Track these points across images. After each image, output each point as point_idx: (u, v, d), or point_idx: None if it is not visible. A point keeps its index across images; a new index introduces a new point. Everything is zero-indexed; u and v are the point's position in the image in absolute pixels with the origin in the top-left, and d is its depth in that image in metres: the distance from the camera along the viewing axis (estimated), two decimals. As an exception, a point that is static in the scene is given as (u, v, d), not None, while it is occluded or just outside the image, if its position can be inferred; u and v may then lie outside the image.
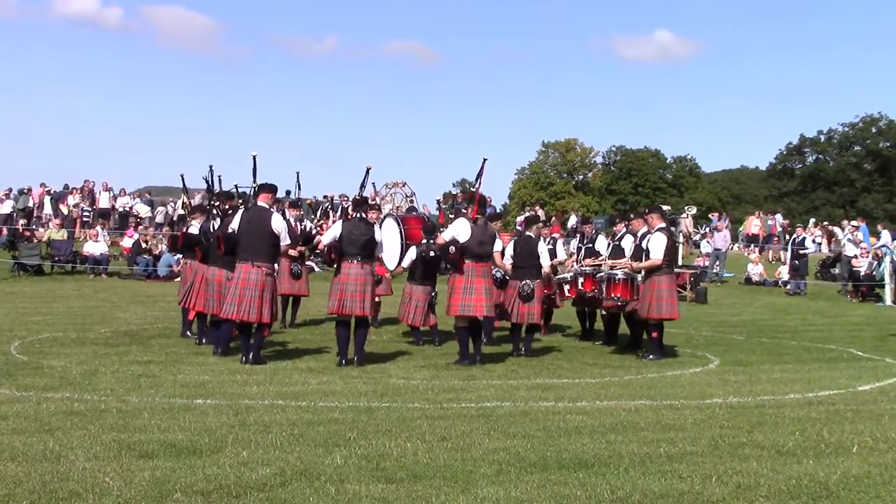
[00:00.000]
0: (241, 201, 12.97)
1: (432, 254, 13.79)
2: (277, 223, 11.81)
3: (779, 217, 41.63)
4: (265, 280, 11.60)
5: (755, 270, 29.91)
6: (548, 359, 13.06)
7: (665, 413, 8.80)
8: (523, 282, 12.85)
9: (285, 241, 12.03)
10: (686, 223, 33.07)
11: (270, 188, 12.10)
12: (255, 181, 12.35)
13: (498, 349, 13.70)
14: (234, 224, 11.98)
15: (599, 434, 7.70)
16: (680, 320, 14.78)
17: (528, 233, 13.67)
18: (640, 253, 13.45)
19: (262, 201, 11.92)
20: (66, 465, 6.23)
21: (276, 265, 12.10)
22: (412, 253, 14.05)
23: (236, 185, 14.10)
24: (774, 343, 15.90)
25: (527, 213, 33.24)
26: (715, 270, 30.24)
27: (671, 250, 13.12)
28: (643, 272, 13.13)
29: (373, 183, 19.01)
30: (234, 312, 11.51)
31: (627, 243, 14.26)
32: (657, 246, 12.93)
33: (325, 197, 35.46)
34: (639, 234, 14.06)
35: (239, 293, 11.50)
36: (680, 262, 28.38)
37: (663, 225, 13.23)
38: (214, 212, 13.39)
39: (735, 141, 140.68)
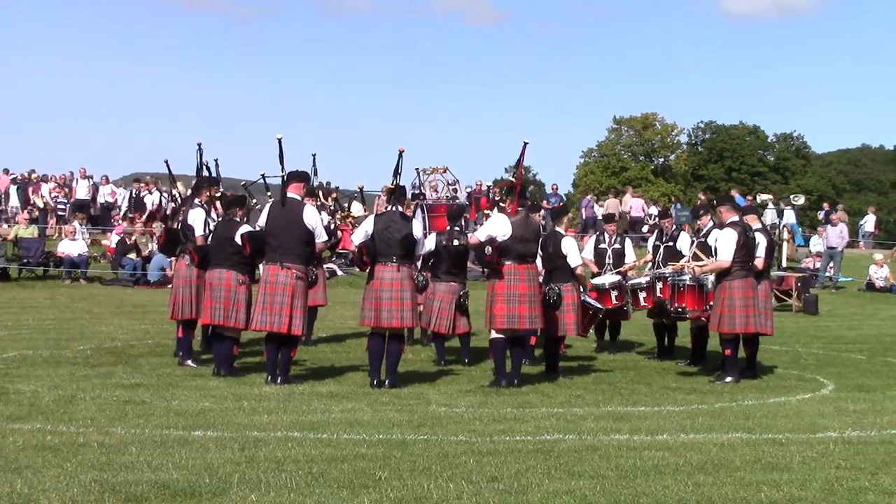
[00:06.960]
0: (223, 191, 12.94)
1: (455, 243, 13.81)
2: (311, 217, 11.99)
3: None
4: (295, 284, 11.72)
5: (879, 274, 29.53)
6: (621, 382, 13.01)
7: (766, 449, 8.75)
8: (548, 287, 12.81)
9: (321, 237, 12.20)
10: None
11: (301, 177, 12.30)
12: (283, 169, 12.48)
13: (537, 368, 13.61)
14: (262, 220, 12.13)
15: (685, 474, 7.68)
16: (786, 335, 14.66)
17: (556, 228, 13.55)
18: (703, 251, 13.80)
19: (293, 192, 12.08)
20: (39, 509, 6.30)
21: (310, 268, 12.15)
22: (431, 243, 13.97)
23: (263, 175, 14.27)
24: (903, 364, 15.70)
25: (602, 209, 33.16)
26: (828, 274, 29.93)
27: (745, 248, 13.05)
28: (713, 276, 13.27)
29: (416, 168, 19.02)
30: (260, 322, 11.75)
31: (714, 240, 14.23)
32: (725, 244, 13.07)
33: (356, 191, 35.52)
34: (704, 230, 14.43)
35: (267, 300, 11.66)
36: (784, 264, 28.15)
37: (736, 219, 13.37)
38: (197, 201, 13.50)
39: (855, 115, 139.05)
